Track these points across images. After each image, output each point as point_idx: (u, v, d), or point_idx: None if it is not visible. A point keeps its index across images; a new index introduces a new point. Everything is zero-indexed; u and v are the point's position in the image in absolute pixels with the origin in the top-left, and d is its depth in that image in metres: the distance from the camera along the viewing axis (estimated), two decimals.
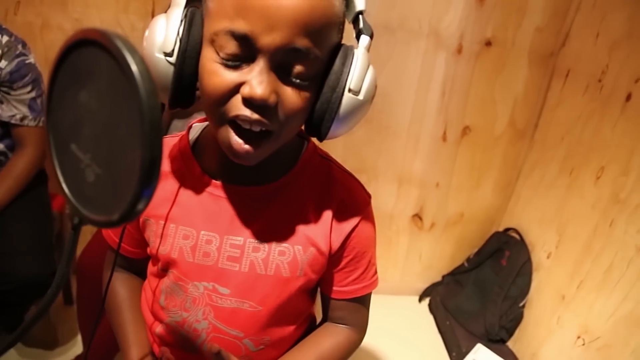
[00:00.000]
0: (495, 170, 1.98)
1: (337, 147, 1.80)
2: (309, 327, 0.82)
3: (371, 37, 0.59)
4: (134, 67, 0.28)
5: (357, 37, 0.60)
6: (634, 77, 1.41)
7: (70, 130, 0.34)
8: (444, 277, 2.19)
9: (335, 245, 0.69)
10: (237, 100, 0.53)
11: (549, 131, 1.82)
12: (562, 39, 1.76)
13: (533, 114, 1.88)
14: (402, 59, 1.71)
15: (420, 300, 2.20)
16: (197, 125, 0.73)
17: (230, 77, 0.52)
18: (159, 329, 0.74)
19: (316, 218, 0.69)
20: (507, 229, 2.01)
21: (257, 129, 0.54)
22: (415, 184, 1.96)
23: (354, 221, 0.70)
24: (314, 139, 0.66)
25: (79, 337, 1.62)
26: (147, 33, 0.55)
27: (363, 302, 0.78)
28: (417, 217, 2.05)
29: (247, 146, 0.55)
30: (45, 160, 1.42)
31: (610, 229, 1.45)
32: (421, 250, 2.14)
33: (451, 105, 1.81)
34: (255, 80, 0.51)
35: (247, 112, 0.52)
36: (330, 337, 0.77)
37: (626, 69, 1.45)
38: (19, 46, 1.27)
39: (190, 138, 0.70)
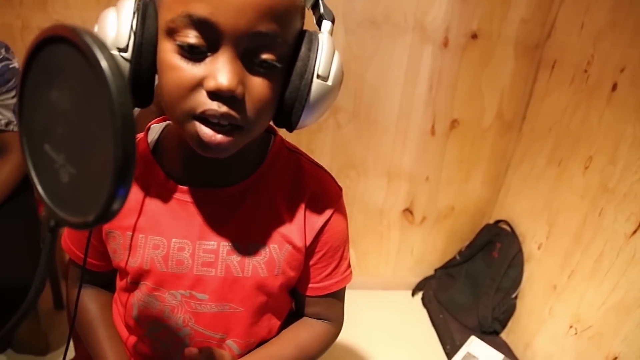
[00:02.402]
0: (484, 162, 1.99)
1: (325, 142, 1.80)
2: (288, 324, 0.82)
3: (332, 21, 0.58)
4: (103, 63, 0.27)
5: (318, 23, 0.58)
6: (619, 67, 1.42)
7: (43, 130, 0.33)
8: (436, 270, 2.19)
9: (309, 239, 0.68)
10: (201, 95, 0.49)
11: (537, 122, 1.83)
12: (547, 30, 1.76)
13: (520, 106, 1.89)
14: (388, 54, 1.70)
15: (413, 294, 2.20)
16: (155, 126, 0.69)
17: (192, 71, 0.49)
18: (136, 342, 0.71)
19: (289, 214, 0.67)
20: (498, 221, 2.01)
21: (225, 122, 0.51)
22: (404, 178, 1.96)
23: (326, 215, 0.69)
24: (281, 132, 0.64)
25: (71, 342, 1.60)
26: (96, 28, 0.51)
27: (337, 296, 0.77)
28: (408, 211, 2.05)
29: (219, 136, 0.51)
30: None
31: (599, 218, 1.46)
32: (413, 244, 2.14)
33: (439, 98, 1.81)
34: (221, 70, 0.48)
35: (214, 105, 0.49)
36: (308, 329, 0.77)
37: (611, 59, 1.46)
38: (2, 50, 1.25)
39: (149, 140, 0.67)
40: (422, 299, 2.15)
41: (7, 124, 1.29)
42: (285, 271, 0.68)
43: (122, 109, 0.27)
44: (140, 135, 0.68)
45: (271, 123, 0.60)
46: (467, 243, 2.10)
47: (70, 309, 1.39)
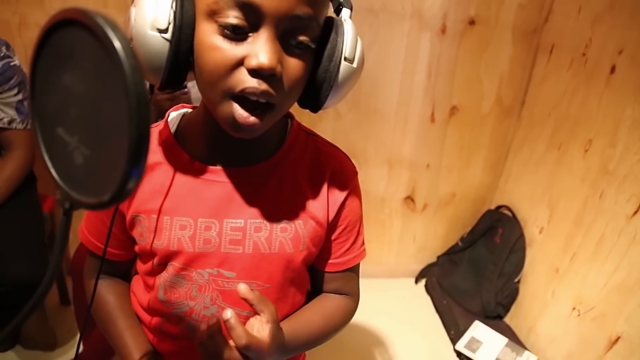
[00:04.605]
0: (485, 148, 1.99)
1: (326, 132, 1.79)
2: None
3: (351, 9, 0.61)
4: (116, 44, 0.28)
5: (337, 11, 0.62)
6: (617, 49, 1.42)
7: (55, 114, 0.34)
8: (438, 257, 2.21)
9: (332, 214, 0.71)
10: (241, 73, 0.52)
11: (536, 107, 1.83)
12: (545, 14, 1.76)
13: (519, 91, 1.89)
14: (386, 41, 1.70)
15: (416, 281, 2.22)
16: (175, 114, 0.71)
17: (233, 50, 0.51)
18: (161, 323, 0.72)
19: (312, 191, 0.70)
20: (499, 207, 2.02)
21: (263, 100, 0.53)
22: (405, 166, 1.97)
23: (346, 190, 0.72)
24: (297, 116, 0.67)
25: (78, 337, 1.62)
26: (133, 11, 0.52)
27: (354, 271, 0.80)
28: (410, 199, 2.05)
29: (252, 118, 0.54)
30: (34, 162, 1.41)
31: (600, 200, 1.47)
32: (415, 232, 2.15)
33: (438, 85, 1.81)
34: (262, 49, 0.50)
35: (254, 83, 0.52)
36: (331, 301, 0.79)
37: (609, 42, 1.46)
38: (3, 48, 1.26)
39: (170, 127, 0.69)
40: (426, 285, 2.17)
41: (10, 121, 1.29)
42: (309, 247, 0.70)
43: (136, 88, 0.28)
44: (159, 123, 0.70)
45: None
46: (468, 229, 2.12)
47: (78, 299, 1.40)
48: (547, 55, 1.76)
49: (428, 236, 2.18)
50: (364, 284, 0.83)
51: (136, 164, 0.29)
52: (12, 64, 1.26)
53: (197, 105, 0.70)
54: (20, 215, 1.35)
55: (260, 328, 0.59)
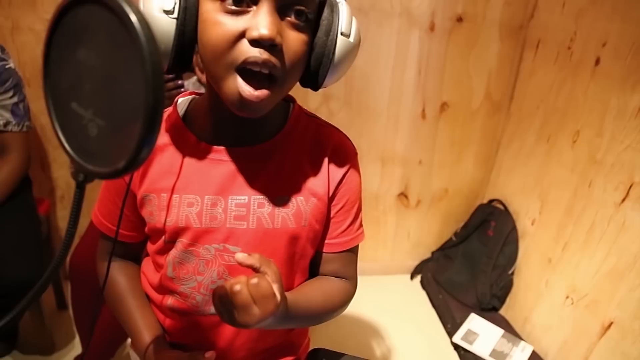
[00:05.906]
0: (475, 143, 2.02)
1: None
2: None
3: None
4: (132, 16, 0.30)
5: None
6: (601, 42, 1.46)
7: (70, 90, 0.35)
8: (433, 253, 2.23)
9: (331, 189, 0.74)
10: (243, 45, 0.55)
11: (524, 101, 1.86)
12: (530, 10, 1.80)
13: (508, 86, 1.92)
14: (376, 40, 1.73)
15: (412, 277, 2.23)
16: (183, 100, 0.75)
17: (235, 24, 0.55)
18: (170, 300, 0.75)
19: (313, 169, 0.73)
20: (491, 201, 2.05)
21: (266, 71, 0.56)
22: (398, 162, 1.99)
23: (344, 168, 0.75)
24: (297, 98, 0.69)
25: (76, 341, 1.62)
26: None
27: (352, 252, 0.82)
28: (403, 195, 2.08)
29: (257, 92, 0.57)
30: (30, 165, 1.41)
31: (589, 189, 1.50)
32: (409, 228, 2.17)
33: (428, 82, 1.84)
34: (262, 21, 0.54)
35: (255, 52, 0.55)
36: (330, 281, 0.80)
37: (593, 35, 1.49)
38: None
39: (179, 111, 0.72)
40: (421, 281, 2.19)
41: (6, 124, 1.30)
42: (311, 223, 0.73)
43: (152, 57, 0.29)
44: (169, 109, 0.73)
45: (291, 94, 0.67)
46: (462, 224, 2.14)
47: (77, 301, 1.40)
48: (534, 50, 1.79)
49: (422, 232, 2.20)
50: (359, 281, 0.84)
51: (151, 129, 0.31)
52: (7, 66, 1.27)
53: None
54: (16, 219, 1.36)
55: (267, 286, 0.58)
